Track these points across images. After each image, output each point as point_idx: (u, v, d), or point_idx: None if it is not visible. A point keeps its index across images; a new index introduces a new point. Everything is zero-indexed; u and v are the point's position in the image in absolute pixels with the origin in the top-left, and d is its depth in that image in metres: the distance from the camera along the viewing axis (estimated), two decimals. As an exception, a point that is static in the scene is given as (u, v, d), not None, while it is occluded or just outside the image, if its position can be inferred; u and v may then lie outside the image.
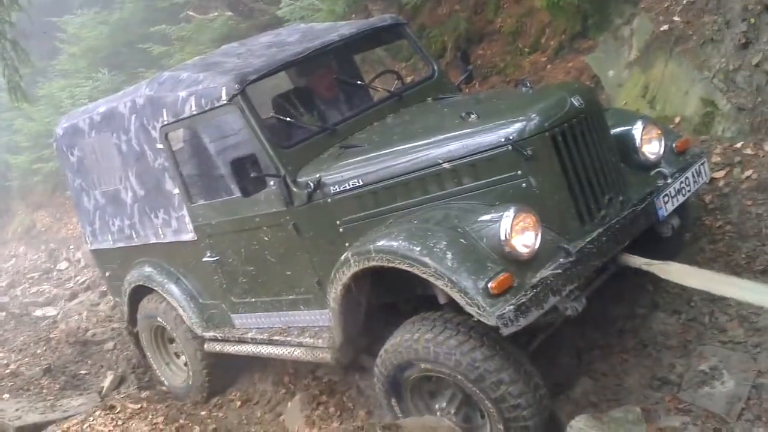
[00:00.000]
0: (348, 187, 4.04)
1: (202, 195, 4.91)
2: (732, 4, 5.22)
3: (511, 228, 3.34)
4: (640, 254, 3.86)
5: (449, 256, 3.36)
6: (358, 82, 5.08)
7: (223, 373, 5.64)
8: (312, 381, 5.08)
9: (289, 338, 4.56)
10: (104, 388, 6.41)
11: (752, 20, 4.99)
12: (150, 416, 5.08)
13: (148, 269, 5.58)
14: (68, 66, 15.12)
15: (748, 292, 3.49)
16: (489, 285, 3.25)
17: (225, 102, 4.28)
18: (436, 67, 5.09)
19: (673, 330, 4.39)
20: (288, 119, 4.52)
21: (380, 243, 3.65)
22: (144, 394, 5.65)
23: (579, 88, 3.98)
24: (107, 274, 6.40)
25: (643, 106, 5.81)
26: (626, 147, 4.05)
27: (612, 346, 4.45)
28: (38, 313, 10.50)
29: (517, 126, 3.58)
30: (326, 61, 4.94)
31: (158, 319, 5.76)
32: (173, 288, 5.37)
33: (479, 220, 3.47)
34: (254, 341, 4.85)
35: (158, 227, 5.29)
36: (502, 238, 3.35)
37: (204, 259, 4.97)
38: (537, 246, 3.43)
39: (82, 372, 7.61)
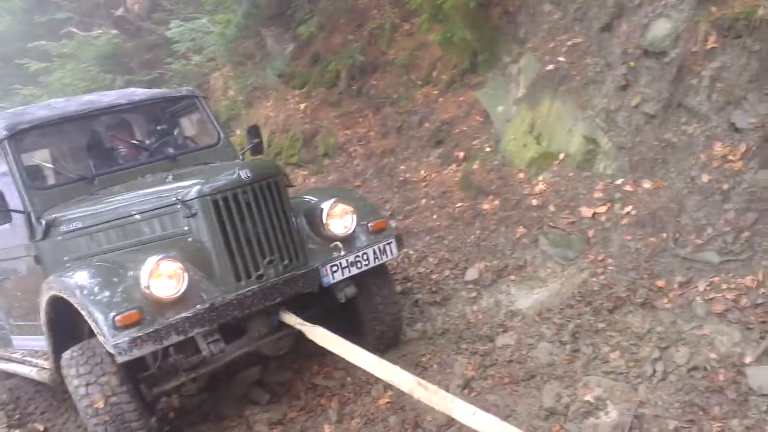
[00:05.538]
0: (72, 228, 4.60)
1: None
2: (612, 48, 5.50)
3: (150, 274, 3.83)
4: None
5: (96, 291, 3.85)
6: (134, 142, 5.47)
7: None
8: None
9: (32, 359, 5.09)
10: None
11: (632, 63, 5.27)
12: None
13: None
14: (-65, 79, 14.17)
15: (364, 361, 3.98)
16: (116, 318, 3.73)
17: None
18: (222, 136, 5.65)
19: (559, 360, 4.53)
20: (47, 164, 5.10)
21: (61, 276, 4.14)
22: (15, 433, 5.24)
23: (257, 164, 4.53)
24: None
25: (530, 141, 6.00)
26: (314, 220, 4.62)
27: (502, 376, 4.53)
28: None
29: (190, 189, 4.14)
30: (110, 121, 5.46)
31: None
32: None
33: (140, 264, 3.90)
34: (15, 360, 5.36)
35: None
36: (143, 282, 3.84)
37: None
38: (181, 292, 3.89)
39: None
